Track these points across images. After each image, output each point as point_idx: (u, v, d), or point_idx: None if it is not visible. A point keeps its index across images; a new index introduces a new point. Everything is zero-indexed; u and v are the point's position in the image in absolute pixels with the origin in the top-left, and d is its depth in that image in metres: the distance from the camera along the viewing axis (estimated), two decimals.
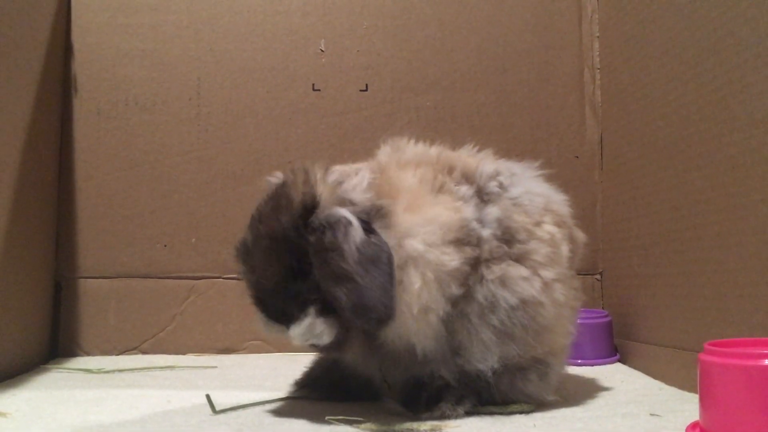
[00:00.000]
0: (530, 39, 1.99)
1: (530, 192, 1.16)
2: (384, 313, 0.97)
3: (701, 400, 0.88)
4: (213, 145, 1.92)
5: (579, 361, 1.67)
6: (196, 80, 1.93)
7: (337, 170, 1.12)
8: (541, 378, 1.14)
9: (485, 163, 1.19)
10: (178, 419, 1.11)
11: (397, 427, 1.02)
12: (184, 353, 1.85)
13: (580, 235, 1.26)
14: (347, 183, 1.06)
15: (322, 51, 1.96)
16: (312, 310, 1.03)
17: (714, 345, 0.90)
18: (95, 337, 1.85)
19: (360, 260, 0.98)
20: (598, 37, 1.98)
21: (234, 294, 1.87)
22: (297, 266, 1.04)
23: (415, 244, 1.03)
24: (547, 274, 1.10)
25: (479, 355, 1.09)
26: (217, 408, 1.16)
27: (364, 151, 1.31)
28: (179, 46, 1.93)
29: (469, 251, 1.07)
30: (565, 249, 1.16)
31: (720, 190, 1.27)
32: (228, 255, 1.86)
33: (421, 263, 1.03)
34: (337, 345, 1.06)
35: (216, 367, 1.67)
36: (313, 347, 1.09)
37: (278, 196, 1.08)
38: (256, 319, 1.11)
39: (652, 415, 1.13)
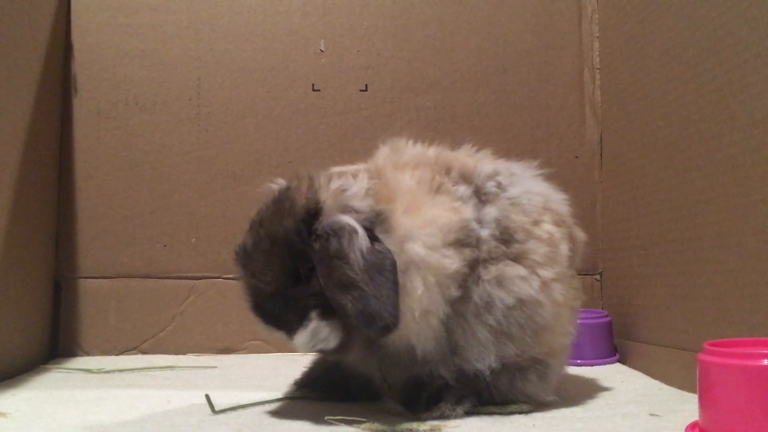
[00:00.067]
0: (530, 39, 1.99)
1: (529, 191, 1.16)
2: (390, 321, 0.97)
3: (700, 400, 0.88)
4: (213, 145, 1.92)
5: (579, 361, 1.67)
6: (196, 80, 1.93)
7: (336, 174, 1.11)
8: (540, 378, 1.14)
9: (483, 163, 1.19)
10: (178, 419, 1.11)
11: (397, 427, 1.02)
12: (184, 353, 1.85)
13: (580, 234, 1.26)
14: (349, 190, 1.06)
15: (322, 51, 1.96)
16: (314, 315, 1.03)
17: (713, 345, 0.90)
18: (95, 337, 1.85)
19: (365, 268, 0.98)
20: (598, 37, 1.98)
21: (234, 294, 1.87)
22: (298, 271, 1.04)
23: (416, 248, 1.03)
24: (546, 273, 1.10)
25: (476, 354, 1.09)
26: (217, 408, 1.16)
27: (363, 151, 1.31)
28: (179, 46, 1.93)
29: (468, 253, 1.07)
30: (564, 248, 1.16)
31: (720, 190, 1.27)
32: (228, 255, 1.85)
33: (422, 267, 1.03)
34: (341, 348, 1.06)
35: (216, 367, 1.67)
36: (319, 351, 1.08)
37: (281, 200, 1.08)
38: (260, 327, 1.11)
39: (651, 415, 1.12)
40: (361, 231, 1.00)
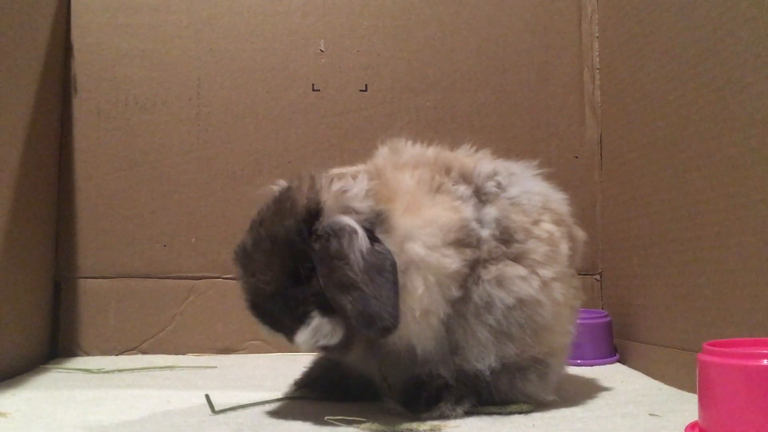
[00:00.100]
0: (530, 39, 1.99)
1: (528, 191, 1.16)
2: (389, 322, 0.97)
3: (700, 400, 0.88)
4: (213, 145, 1.92)
5: (579, 361, 1.67)
6: (196, 80, 1.93)
7: (337, 175, 1.11)
8: (540, 378, 1.14)
9: (483, 162, 1.19)
10: (178, 419, 1.11)
11: (397, 427, 1.02)
12: (183, 353, 1.85)
13: (580, 234, 1.26)
14: (350, 191, 1.06)
15: (321, 51, 1.96)
16: (315, 313, 1.03)
17: (713, 345, 0.89)
18: (95, 337, 1.85)
19: (365, 269, 0.98)
20: (597, 37, 1.98)
21: (234, 294, 1.85)
22: (297, 271, 1.04)
23: (416, 248, 1.03)
24: (546, 272, 1.10)
25: (476, 354, 1.09)
26: (217, 408, 1.16)
27: (363, 151, 1.31)
28: (179, 46, 1.93)
29: (469, 252, 1.07)
30: (564, 247, 1.16)
31: (720, 190, 1.27)
32: (228, 255, 1.85)
33: (422, 267, 1.03)
34: (342, 345, 1.06)
35: (216, 367, 1.67)
36: (321, 348, 1.08)
37: (282, 200, 1.08)
38: (260, 328, 1.11)
39: (651, 415, 1.13)
40: (361, 232, 1.00)
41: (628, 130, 1.73)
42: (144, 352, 1.85)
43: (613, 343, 1.76)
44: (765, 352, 0.83)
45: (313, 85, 1.95)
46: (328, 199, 1.05)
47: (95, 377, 1.54)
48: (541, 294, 1.09)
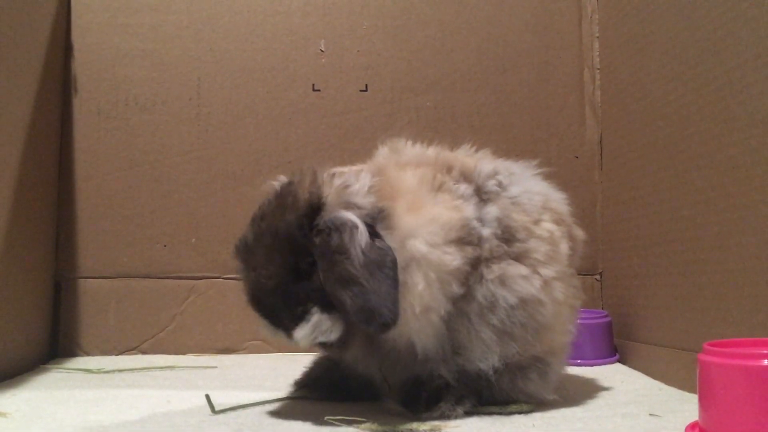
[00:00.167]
0: (530, 39, 1.99)
1: (529, 191, 1.16)
2: (389, 317, 0.97)
3: (700, 400, 0.88)
4: (213, 145, 1.92)
5: (579, 361, 1.67)
6: (196, 80, 1.93)
7: (338, 172, 1.11)
8: (541, 377, 1.14)
9: (483, 162, 1.20)
10: (178, 419, 1.11)
11: (397, 427, 1.02)
12: (184, 353, 1.85)
13: (580, 233, 1.26)
14: (352, 186, 1.06)
15: (322, 51, 1.96)
16: (315, 309, 1.03)
17: (713, 345, 0.89)
18: (95, 337, 1.85)
19: (366, 264, 0.98)
20: (598, 37, 1.98)
21: (234, 294, 1.87)
22: (298, 266, 1.04)
23: (417, 245, 1.03)
24: (547, 272, 1.10)
25: (480, 354, 1.09)
26: (217, 408, 1.16)
27: (364, 151, 1.31)
28: (179, 46, 1.93)
29: (470, 251, 1.07)
30: (564, 247, 1.16)
31: (720, 190, 1.27)
32: (228, 255, 1.85)
33: (423, 264, 1.03)
34: (342, 342, 1.06)
35: (216, 367, 1.67)
36: (321, 345, 1.08)
37: (284, 195, 1.08)
38: (259, 324, 1.10)
39: (651, 415, 1.13)
40: (362, 227, 1.00)
41: (628, 130, 1.73)
42: (144, 352, 1.85)
43: (614, 343, 1.76)
44: (765, 352, 0.83)
45: (313, 85, 1.95)
46: (329, 194, 1.05)
47: (95, 377, 1.54)
48: (542, 293, 1.09)
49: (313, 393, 1.25)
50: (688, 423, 0.94)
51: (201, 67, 1.93)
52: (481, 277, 1.08)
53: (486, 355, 1.09)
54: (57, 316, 1.84)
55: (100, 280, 1.87)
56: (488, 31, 1.99)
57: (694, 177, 1.36)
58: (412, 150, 1.21)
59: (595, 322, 1.73)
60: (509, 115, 1.97)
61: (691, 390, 1.30)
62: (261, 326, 1.10)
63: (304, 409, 1.17)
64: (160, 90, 1.92)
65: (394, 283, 0.99)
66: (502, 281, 1.08)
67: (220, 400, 1.20)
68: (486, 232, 1.09)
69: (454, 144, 1.28)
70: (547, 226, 1.14)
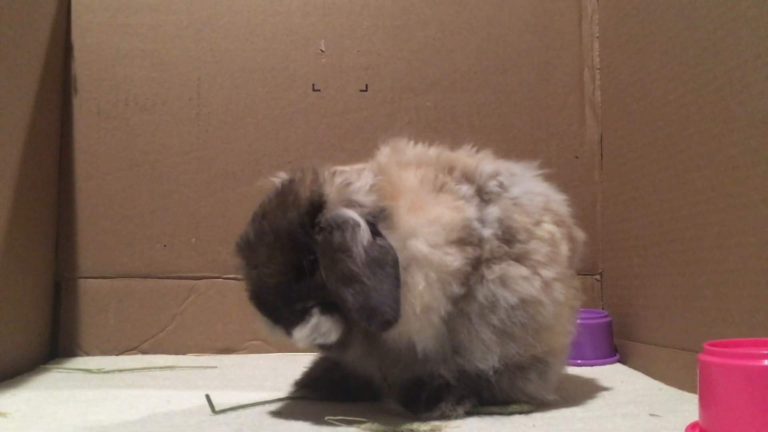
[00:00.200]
0: (530, 39, 1.99)
1: (530, 192, 1.16)
2: (390, 315, 0.98)
3: (701, 400, 0.88)
4: (213, 145, 1.92)
5: (579, 361, 1.67)
6: (196, 80, 1.93)
7: (339, 170, 1.11)
8: (541, 377, 1.14)
9: (485, 162, 1.20)
10: (178, 419, 1.11)
11: (398, 427, 1.02)
12: (184, 353, 1.85)
13: (580, 234, 1.26)
14: (353, 185, 1.06)
15: (322, 51, 1.96)
16: (315, 310, 1.03)
17: (713, 345, 0.89)
18: (95, 337, 1.85)
19: (367, 262, 0.98)
20: (598, 37, 1.98)
21: (234, 294, 1.88)
22: (300, 264, 1.04)
23: (419, 245, 1.03)
24: (547, 273, 1.10)
25: (480, 354, 1.09)
26: (217, 408, 1.16)
27: (364, 151, 1.31)
28: (179, 46, 1.93)
29: (470, 251, 1.07)
30: (564, 248, 1.16)
31: (720, 190, 1.27)
32: (228, 255, 1.86)
33: (424, 264, 1.03)
34: (341, 344, 1.06)
35: (216, 367, 1.67)
36: (320, 347, 1.08)
37: (285, 193, 1.08)
38: (258, 321, 1.11)
39: (651, 415, 1.13)
40: (364, 225, 1.00)
41: (628, 130, 1.73)
42: (144, 352, 1.85)
43: (614, 343, 1.76)
44: (766, 352, 0.83)
45: (313, 85, 1.95)
46: (331, 192, 1.05)
47: (95, 377, 1.54)
48: (542, 294, 1.09)
49: (313, 393, 1.25)
50: (688, 423, 0.94)
51: (201, 67, 1.93)
52: (482, 277, 1.08)
53: (486, 356, 1.09)
54: (57, 316, 1.84)
55: (100, 280, 1.87)
56: (488, 31, 1.99)
57: (694, 177, 1.36)
58: (413, 150, 1.21)
59: (595, 322, 1.73)
60: (509, 115, 1.97)
61: (691, 390, 1.30)
62: (260, 323, 1.10)
63: (305, 409, 1.17)
64: (160, 90, 1.92)
65: (396, 281, 0.99)
66: (503, 282, 1.08)
67: (220, 400, 1.20)
68: (487, 232, 1.09)
69: (454, 144, 1.28)
70: (548, 227, 1.14)
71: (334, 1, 1.97)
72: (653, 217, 1.56)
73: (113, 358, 1.81)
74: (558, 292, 1.11)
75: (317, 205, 1.04)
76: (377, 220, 1.03)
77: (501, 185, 1.15)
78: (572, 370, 1.55)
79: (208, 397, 1.19)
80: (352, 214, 1.01)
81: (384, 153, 1.22)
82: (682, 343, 1.40)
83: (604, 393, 1.33)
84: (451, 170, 1.15)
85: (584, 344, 1.65)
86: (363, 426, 1.03)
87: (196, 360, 1.77)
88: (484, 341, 1.08)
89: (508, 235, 1.10)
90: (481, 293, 1.07)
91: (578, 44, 2.00)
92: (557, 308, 1.11)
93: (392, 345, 1.08)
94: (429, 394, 1.09)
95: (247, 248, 1.08)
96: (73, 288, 1.86)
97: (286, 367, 1.61)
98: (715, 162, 1.29)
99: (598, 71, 1.97)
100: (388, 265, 0.99)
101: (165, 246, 1.89)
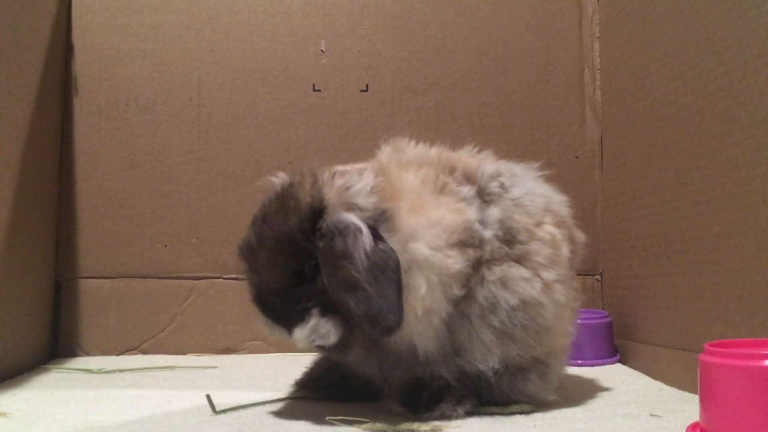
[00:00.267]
0: (530, 39, 1.99)
1: (531, 193, 1.16)
2: (393, 321, 0.98)
3: (701, 400, 0.88)
4: (213, 145, 1.92)
5: (579, 361, 1.67)
6: (196, 80, 1.93)
7: (340, 171, 1.11)
8: (541, 378, 1.14)
9: (486, 163, 1.19)
10: (179, 419, 1.11)
11: (398, 427, 1.02)
12: (184, 353, 1.85)
13: (580, 236, 1.26)
14: (354, 187, 1.06)
15: (322, 51, 1.96)
16: (315, 311, 1.04)
17: (714, 345, 0.89)
18: (95, 337, 1.85)
19: (369, 268, 0.98)
20: (598, 37, 1.98)
21: (234, 294, 1.88)
22: (301, 270, 1.04)
23: (420, 248, 1.03)
24: (548, 275, 1.10)
25: (480, 355, 1.09)
26: (218, 408, 1.16)
27: (364, 151, 1.31)
28: (180, 46, 1.93)
29: (471, 253, 1.07)
30: (565, 250, 1.16)
31: (720, 190, 1.27)
32: (228, 255, 1.87)
33: (426, 267, 1.03)
34: (341, 345, 1.06)
35: (216, 367, 1.67)
36: (319, 348, 1.08)
37: (285, 198, 1.07)
38: (258, 321, 1.11)
39: (652, 415, 1.13)
40: (365, 230, 1.00)
41: (628, 130, 1.73)
42: (144, 352, 1.85)
43: (614, 343, 1.76)
44: (766, 352, 0.83)
45: (313, 85, 1.95)
46: (331, 196, 1.05)
47: (96, 377, 1.54)
48: (543, 296, 1.09)
49: (313, 393, 1.25)
50: (688, 423, 0.94)
51: (201, 67, 1.93)
52: (482, 278, 1.08)
53: (486, 357, 1.08)
54: (57, 316, 1.84)
55: (100, 280, 1.87)
56: (488, 31, 1.99)
57: (694, 177, 1.36)
58: (414, 149, 1.21)
59: (596, 323, 1.73)
60: (509, 115, 1.97)
61: (691, 390, 1.30)
62: (261, 324, 1.10)
63: (305, 409, 1.17)
64: (160, 90, 1.92)
65: (398, 286, 0.99)
66: (503, 283, 1.07)
67: (221, 400, 1.20)
68: (488, 234, 1.09)
69: (455, 144, 1.28)
70: (549, 228, 1.14)
71: (335, 1, 1.97)
72: (653, 217, 1.56)
73: (114, 358, 1.81)
74: (559, 294, 1.11)
75: (317, 211, 1.04)
76: (378, 223, 1.03)
77: (502, 186, 1.14)
78: (572, 371, 1.55)
79: (208, 397, 1.19)
80: (353, 219, 1.01)
81: (385, 152, 1.22)
82: (683, 343, 1.40)
83: (605, 393, 1.33)
84: (452, 171, 1.15)
85: (584, 344, 1.65)
86: (363, 426, 1.03)
87: (197, 360, 1.77)
88: (484, 342, 1.08)
89: (509, 236, 1.10)
90: (482, 295, 1.07)
91: (578, 44, 2.00)
92: (558, 310, 1.11)
93: (393, 347, 1.08)
94: (429, 394, 1.09)
95: (249, 252, 1.09)
96: (74, 288, 1.86)
97: (286, 367, 1.61)
98: (715, 162, 1.29)
99: (598, 71, 1.97)
100: (390, 270, 0.99)
101: (165, 246, 1.89)
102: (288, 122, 1.94)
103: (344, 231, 1.00)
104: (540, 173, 1.23)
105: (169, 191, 1.90)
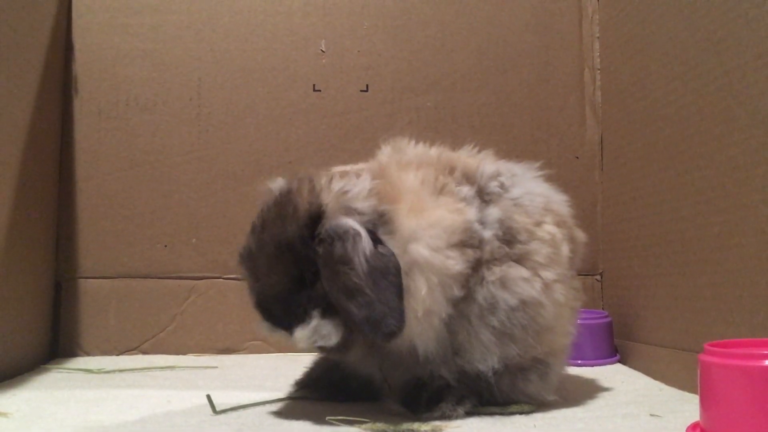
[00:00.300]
0: (530, 39, 1.99)
1: (531, 192, 1.16)
2: (395, 326, 0.98)
3: (701, 400, 0.88)
4: (213, 145, 1.92)
5: (579, 361, 1.67)
6: (196, 80, 1.93)
7: (338, 172, 1.11)
8: (541, 378, 1.14)
9: (486, 163, 1.19)
10: (179, 419, 1.11)
11: (398, 427, 1.02)
12: (184, 353, 1.85)
13: (581, 235, 1.26)
14: (351, 191, 1.06)
15: (322, 51, 1.96)
16: (316, 313, 1.04)
17: (714, 346, 0.89)
18: (95, 337, 1.85)
19: (369, 272, 0.98)
20: (598, 37, 1.98)
21: (234, 294, 1.88)
22: (301, 276, 1.04)
23: (420, 250, 1.03)
24: (548, 274, 1.10)
25: (479, 355, 1.09)
26: (218, 408, 1.16)
27: (364, 151, 1.31)
28: (180, 46, 1.93)
29: (471, 253, 1.07)
30: (565, 249, 1.16)
31: (720, 190, 1.27)
32: (228, 255, 1.87)
33: (426, 268, 1.03)
34: (342, 346, 1.06)
35: (216, 367, 1.67)
36: (320, 349, 1.09)
37: (283, 204, 1.07)
38: (260, 325, 1.11)
39: (652, 415, 1.13)
40: (364, 234, 1.00)
41: (628, 130, 1.73)
42: (144, 353, 1.85)
43: (614, 343, 1.76)
44: (766, 352, 0.83)
45: (314, 85, 1.95)
46: (329, 201, 1.05)
47: (96, 377, 1.54)
48: (543, 296, 1.09)
49: (313, 393, 1.25)
50: (688, 423, 0.94)
51: (201, 67, 1.93)
52: (482, 278, 1.08)
53: (486, 357, 1.08)
54: (57, 316, 1.84)
55: (100, 280, 1.87)
56: (488, 31, 1.99)
57: (694, 177, 1.37)
58: (414, 149, 1.21)
59: (596, 323, 1.73)
60: (509, 115, 1.97)
61: (691, 390, 1.30)
62: (262, 327, 1.10)
63: (305, 409, 1.17)
64: (160, 90, 1.92)
65: (399, 290, 0.99)
66: (503, 283, 1.07)
67: (221, 400, 1.20)
68: (487, 234, 1.09)
69: (455, 144, 1.28)
70: (549, 228, 1.14)
71: (335, 1, 1.97)
72: (653, 217, 1.56)
73: (114, 358, 1.81)
74: (558, 294, 1.11)
75: (316, 216, 1.04)
76: (377, 226, 1.03)
77: (502, 186, 1.14)
78: (572, 371, 1.55)
79: (209, 397, 1.19)
80: (352, 223, 1.01)
81: (385, 152, 1.22)
82: (683, 343, 1.40)
83: (605, 393, 1.33)
84: (451, 171, 1.15)
85: (585, 344, 1.65)
86: (364, 426, 1.03)
87: (197, 360, 1.77)
88: (484, 342, 1.08)
89: (508, 236, 1.10)
90: (481, 295, 1.07)
91: (578, 44, 2.00)
92: (558, 309, 1.11)
93: (393, 348, 1.08)
94: (429, 394, 1.09)
95: (249, 259, 1.09)
96: (74, 288, 1.86)
97: (286, 367, 1.61)
98: (715, 162, 1.29)
99: (598, 71, 1.97)
100: (390, 273, 0.99)
101: (165, 246, 1.89)
102: (288, 122, 1.94)
103: (343, 236, 0.99)
104: (540, 173, 1.23)
105: (169, 191, 1.90)
